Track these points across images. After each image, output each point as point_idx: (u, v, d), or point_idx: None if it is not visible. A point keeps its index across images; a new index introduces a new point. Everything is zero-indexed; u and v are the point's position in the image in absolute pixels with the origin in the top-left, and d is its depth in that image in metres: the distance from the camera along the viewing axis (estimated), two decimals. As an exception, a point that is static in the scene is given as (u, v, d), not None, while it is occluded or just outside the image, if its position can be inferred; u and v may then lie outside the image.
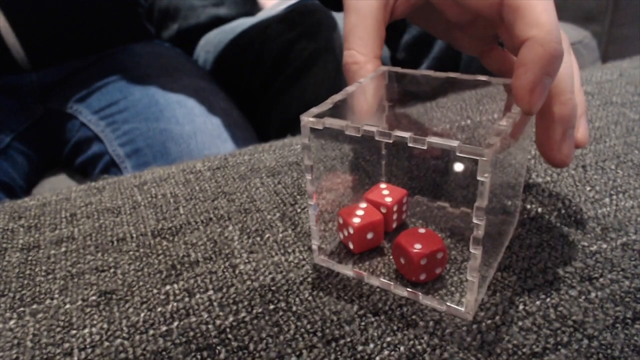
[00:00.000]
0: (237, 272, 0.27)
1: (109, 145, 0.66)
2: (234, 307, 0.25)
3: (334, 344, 0.23)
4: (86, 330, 0.24)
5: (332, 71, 0.72)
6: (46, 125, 0.74)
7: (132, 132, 0.64)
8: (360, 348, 0.22)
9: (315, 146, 0.25)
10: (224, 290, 0.26)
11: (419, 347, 0.22)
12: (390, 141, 0.21)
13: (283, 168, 0.38)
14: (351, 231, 0.27)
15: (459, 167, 0.32)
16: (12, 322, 0.25)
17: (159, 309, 0.25)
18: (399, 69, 0.29)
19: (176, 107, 0.64)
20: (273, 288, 0.26)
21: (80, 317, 0.25)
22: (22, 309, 0.26)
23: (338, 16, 0.73)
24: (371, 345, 0.22)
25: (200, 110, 0.64)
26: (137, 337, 0.24)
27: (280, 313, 0.25)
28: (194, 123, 0.62)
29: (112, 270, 0.28)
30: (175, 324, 0.24)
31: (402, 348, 0.22)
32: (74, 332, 0.24)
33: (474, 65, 0.84)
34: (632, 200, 0.31)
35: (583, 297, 0.24)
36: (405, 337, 0.23)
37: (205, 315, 0.25)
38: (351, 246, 0.27)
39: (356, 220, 0.27)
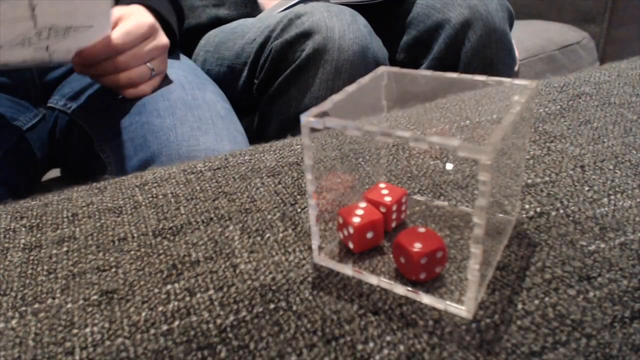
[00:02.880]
0: (237, 271, 0.28)
1: (96, 140, 0.67)
2: (235, 307, 0.25)
3: (334, 343, 0.23)
4: (87, 330, 0.25)
5: (331, 71, 0.72)
6: (47, 124, 0.74)
7: (117, 127, 0.64)
8: (360, 347, 0.23)
9: (315, 146, 0.25)
10: (225, 289, 0.26)
11: (418, 346, 0.22)
12: (391, 141, 0.22)
13: (283, 168, 0.38)
14: (351, 231, 0.27)
15: (455, 167, 0.32)
16: (14, 321, 0.26)
17: (160, 308, 0.26)
18: (397, 69, 0.30)
19: (159, 100, 0.64)
20: (273, 287, 0.26)
21: (81, 316, 0.25)
22: (24, 308, 0.26)
23: (338, 17, 0.73)
24: (371, 344, 0.23)
25: (182, 104, 0.64)
26: (138, 336, 0.24)
27: (281, 312, 0.25)
28: (175, 116, 0.62)
29: (113, 269, 0.29)
30: (176, 323, 0.25)
31: (401, 347, 0.22)
32: (75, 331, 0.25)
33: (473, 66, 0.84)
34: (630, 200, 0.31)
35: (581, 296, 0.24)
36: (404, 336, 0.23)
37: (206, 314, 0.25)
38: (351, 246, 0.28)
39: (356, 219, 0.27)
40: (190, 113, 0.63)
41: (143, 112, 0.63)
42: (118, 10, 0.61)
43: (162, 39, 0.64)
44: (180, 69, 0.74)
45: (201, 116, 0.63)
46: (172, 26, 0.70)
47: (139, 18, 0.60)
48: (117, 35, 0.57)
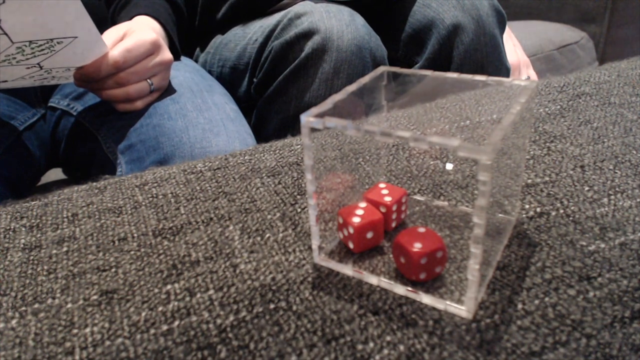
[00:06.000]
0: (237, 271, 0.28)
1: (104, 141, 0.67)
2: (235, 307, 0.25)
3: (334, 343, 0.23)
4: (87, 330, 0.25)
5: (329, 71, 0.72)
6: (48, 123, 0.74)
7: (126, 129, 0.64)
8: (360, 347, 0.23)
9: (315, 146, 0.25)
10: (225, 289, 0.26)
11: (418, 346, 0.22)
12: (391, 141, 0.22)
13: (283, 168, 0.38)
14: (351, 231, 0.27)
15: (455, 167, 0.32)
16: (14, 321, 0.26)
17: (160, 308, 0.25)
18: (398, 69, 0.30)
19: (169, 103, 0.65)
20: (273, 287, 0.26)
21: (81, 316, 0.25)
22: (24, 308, 0.26)
23: (337, 17, 0.73)
24: (371, 344, 0.23)
25: (193, 106, 0.65)
26: (138, 336, 0.24)
27: (281, 312, 0.25)
28: (186, 118, 0.62)
29: (113, 269, 0.29)
30: (176, 323, 0.25)
31: (401, 347, 0.22)
32: (75, 331, 0.25)
33: (465, 68, 0.85)
34: (630, 200, 0.31)
35: (581, 296, 0.24)
36: (404, 336, 0.23)
37: (206, 314, 0.25)
38: (351, 245, 0.28)
39: (356, 219, 0.27)
40: (201, 115, 0.64)
41: (153, 115, 0.64)
42: (122, 27, 0.61)
43: (165, 54, 0.63)
44: (187, 71, 0.74)
45: (212, 118, 0.64)
46: (174, 39, 0.70)
47: (140, 35, 0.60)
48: (117, 52, 0.57)
